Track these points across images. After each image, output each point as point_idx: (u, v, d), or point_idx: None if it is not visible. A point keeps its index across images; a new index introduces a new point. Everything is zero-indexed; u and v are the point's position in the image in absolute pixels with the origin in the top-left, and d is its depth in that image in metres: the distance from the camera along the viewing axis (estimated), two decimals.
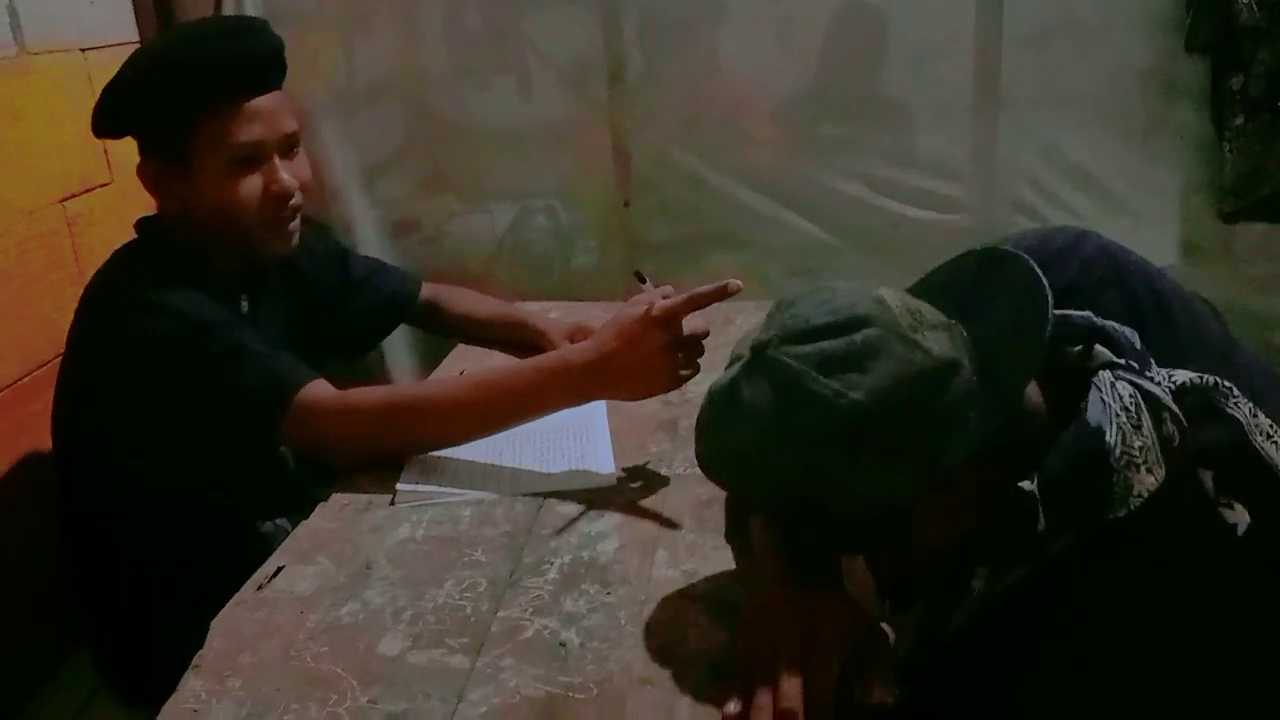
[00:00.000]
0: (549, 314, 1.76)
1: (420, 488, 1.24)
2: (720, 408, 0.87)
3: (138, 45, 1.96)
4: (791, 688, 0.83)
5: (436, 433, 1.27)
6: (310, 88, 2.29)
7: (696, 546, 1.10)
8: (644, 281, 1.34)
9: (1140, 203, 2.11)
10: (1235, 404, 0.81)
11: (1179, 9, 1.99)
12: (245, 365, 1.24)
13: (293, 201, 1.35)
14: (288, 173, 1.34)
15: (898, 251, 2.16)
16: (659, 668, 0.91)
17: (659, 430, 1.38)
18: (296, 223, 1.38)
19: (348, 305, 1.65)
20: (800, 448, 0.81)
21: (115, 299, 1.31)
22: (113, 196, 1.86)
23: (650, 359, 1.19)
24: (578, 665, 0.92)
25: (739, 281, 1.18)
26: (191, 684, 0.92)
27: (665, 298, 1.21)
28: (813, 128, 2.20)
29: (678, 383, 1.22)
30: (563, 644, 0.95)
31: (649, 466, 1.29)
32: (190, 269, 1.33)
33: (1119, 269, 0.93)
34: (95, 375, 1.32)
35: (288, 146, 1.35)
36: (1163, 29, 2.02)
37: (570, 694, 0.89)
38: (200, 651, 0.96)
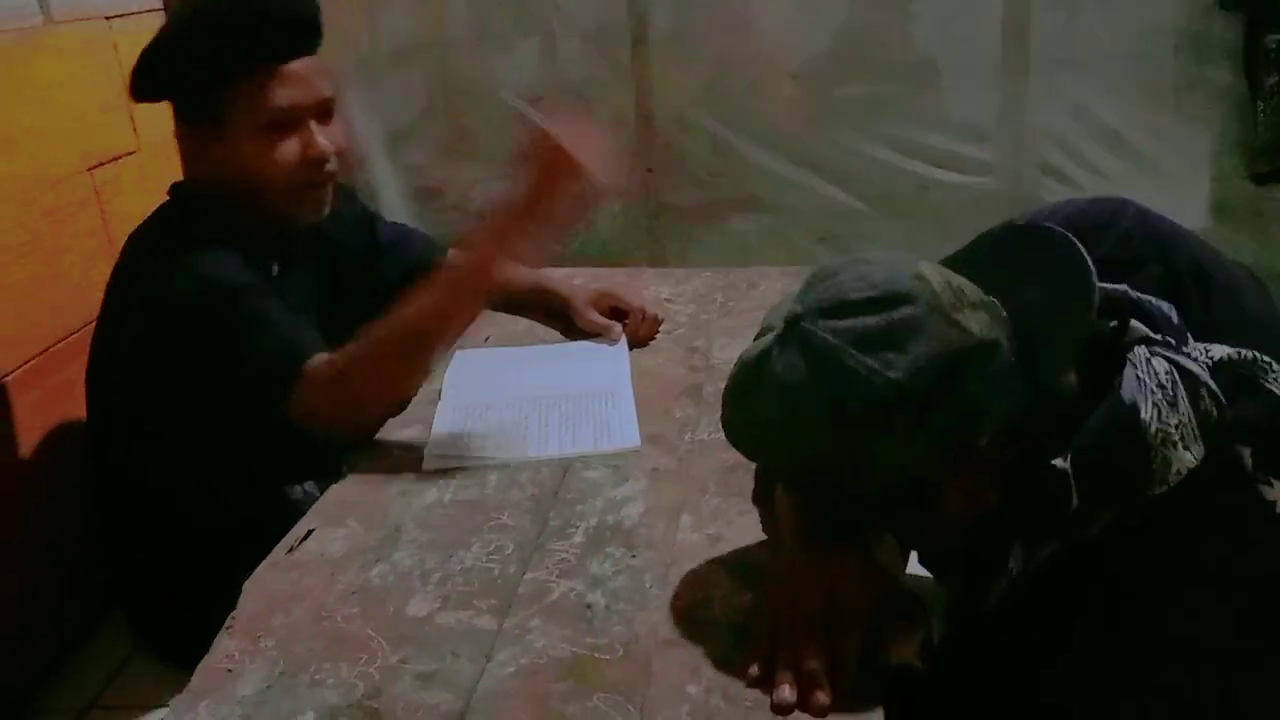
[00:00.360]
0: (574, 280, 1.76)
1: (448, 453, 1.25)
2: (750, 378, 0.86)
3: (161, 12, 1.97)
4: (814, 650, 0.83)
5: (428, 348, 1.29)
6: (334, 54, 2.28)
7: (721, 511, 1.11)
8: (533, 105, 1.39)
9: (1171, 164, 2.08)
10: (1276, 379, 0.80)
11: None
12: (266, 332, 1.25)
13: (328, 167, 1.35)
14: (324, 138, 1.34)
15: (925, 215, 2.15)
16: (684, 630, 0.92)
17: (684, 395, 1.38)
18: (329, 190, 1.39)
19: (376, 270, 1.65)
20: (830, 423, 0.80)
21: (148, 262, 1.32)
22: (140, 164, 1.87)
23: (545, 194, 1.23)
24: (604, 627, 0.93)
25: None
26: (225, 644, 0.94)
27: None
28: (838, 90, 2.19)
29: (580, 199, 1.27)
30: (589, 606, 0.96)
31: (675, 432, 1.29)
32: (222, 233, 1.33)
33: (1159, 241, 0.91)
34: (127, 337, 1.33)
35: (323, 112, 1.35)
36: None
37: (596, 655, 0.90)
38: (233, 612, 0.98)
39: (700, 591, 0.97)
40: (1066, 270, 0.81)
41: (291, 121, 1.31)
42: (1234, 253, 0.98)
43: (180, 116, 1.35)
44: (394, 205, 2.33)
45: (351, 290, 1.60)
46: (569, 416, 1.32)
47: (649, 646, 0.90)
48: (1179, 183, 2.08)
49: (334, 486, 1.21)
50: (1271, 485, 0.78)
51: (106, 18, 1.81)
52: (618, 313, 1.61)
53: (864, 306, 0.80)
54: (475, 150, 2.36)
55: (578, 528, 1.09)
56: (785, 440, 0.84)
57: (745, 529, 1.07)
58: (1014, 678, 0.85)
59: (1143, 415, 0.77)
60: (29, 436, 1.59)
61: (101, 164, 1.78)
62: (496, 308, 1.75)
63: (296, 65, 1.31)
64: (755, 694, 0.83)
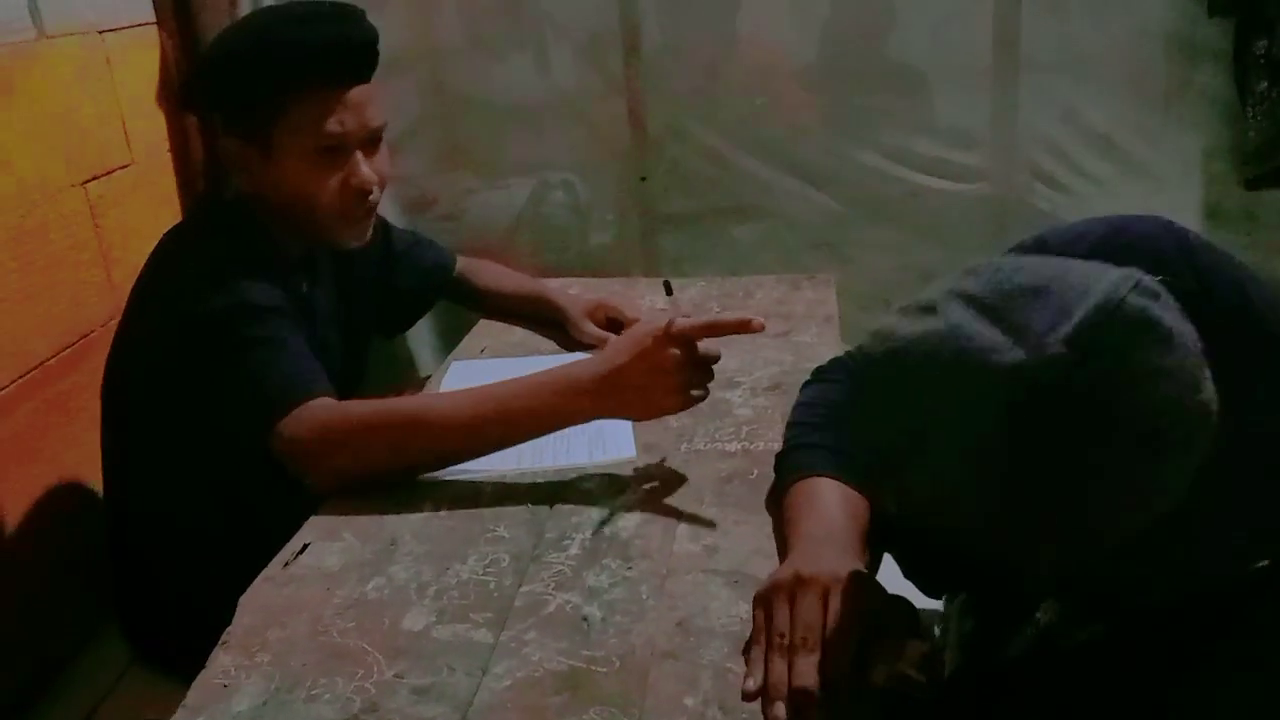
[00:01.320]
0: (569, 290, 1.76)
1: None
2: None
3: (155, 26, 1.97)
4: (807, 665, 0.81)
5: (435, 452, 1.20)
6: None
7: (717, 521, 1.11)
8: (670, 294, 1.32)
9: (1162, 168, 2.09)
10: None
11: None
12: (278, 358, 1.22)
13: (370, 198, 1.35)
14: (369, 167, 1.33)
15: (917, 222, 2.15)
16: (680, 641, 0.92)
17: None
18: (372, 219, 1.39)
19: (391, 280, 1.66)
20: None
21: (184, 274, 1.30)
22: (134, 178, 1.87)
23: (662, 375, 1.14)
24: (600, 639, 0.93)
25: (762, 320, 1.16)
26: (221, 659, 0.94)
27: (685, 316, 1.18)
28: (830, 98, 2.20)
29: (688, 403, 1.17)
30: (585, 618, 0.96)
31: (671, 442, 1.29)
32: (259, 248, 1.33)
33: (1197, 271, 0.82)
34: (153, 346, 1.32)
35: (372, 140, 1.34)
36: None
37: (593, 667, 0.90)
38: (229, 627, 0.98)
39: (697, 602, 0.98)
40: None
41: (340, 149, 1.31)
42: None
43: (226, 128, 1.34)
44: (387, 216, 2.32)
45: (370, 300, 1.61)
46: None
47: (645, 658, 0.90)
48: (1170, 187, 2.09)
49: (329, 500, 1.21)
50: None
51: (100, 31, 1.81)
52: (614, 323, 1.61)
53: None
54: (468, 160, 2.36)
55: (573, 539, 1.09)
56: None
57: (741, 539, 1.07)
58: None
59: None
60: (23, 451, 1.59)
61: (95, 177, 1.77)
62: (492, 317, 1.75)
63: (353, 93, 1.30)
64: (753, 707, 0.83)
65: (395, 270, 1.66)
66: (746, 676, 0.84)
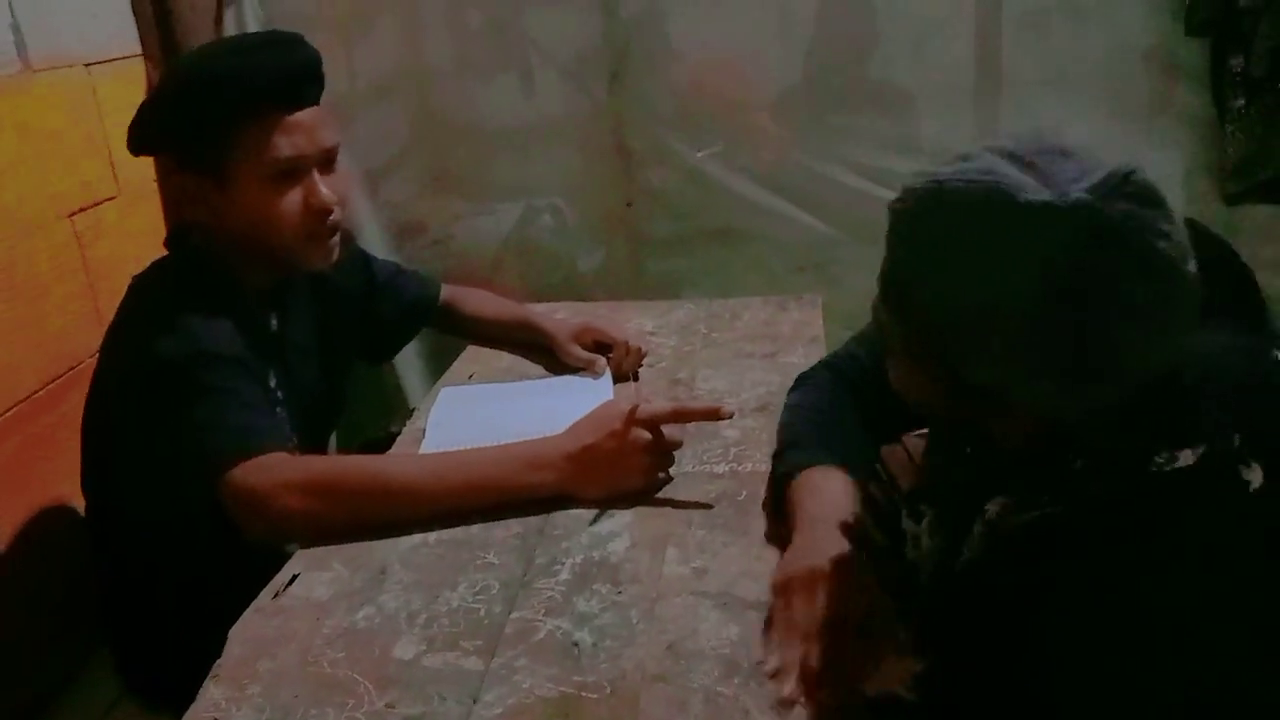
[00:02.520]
0: (557, 314, 1.77)
1: None
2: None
3: (142, 59, 1.98)
4: (805, 652, 0.89)
5: (393, 517, 1.19)
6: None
7: (707, 543, 1.11)
8: (636, 379, 1.36)
9: None
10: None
11: None
12: (229, 408, 1.21)
13: (332, 217, 1.35)
14: (327, 188, 1.33)
15: None
16: (671, 665, 0.92)
17: (667, 428, 1.38)
18: (337, 238, 1.39)
19: (373, 310, 1.67)
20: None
21: (143, 319, 1.31)
22: (120, 209, 1.88)
23: (628, 456, 1.19)
24: (591, 664, 0.93)
25: (732, 408, 1.27)
26: (211, 692, 0.93)
27: (647, 402, 1.23)
28: (813, 118, 2.21)
29: (651, 484, 1.22)
30: (576, 644, 0.96)
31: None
32: (221, 285, 1.33)
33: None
34: (116, 389, 1.33)
35: (327, 161, 1.35)
36: (1162, 8, 2.01)
37: (584, 693, 0.90)
38: (219, 660, 0.98)
39: (687, 625, 0.98)
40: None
41: (295, 171, 1.31)
42: None
43: (180, 165, 1.34)
44: (375, 242, 2.33)
45: (350, 330, 1.62)
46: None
47: (636, 683, 0.90)
48: None
49: None
50: (1250, 466, 0.80)
51: (86, 64, 1.82)
52: (601, 346, 1.61)
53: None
54: (456, 185, 2.37)
55: (563, 564, 1.09)
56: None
57: (730, 561, 1.07)
58: (982, 637, 0.87)
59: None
60: (12, 484, 1.59)
61: (82, 209, 1.78)
62: (479, 342, 1.76)
63: (301, 115, 1.30)
64: None
65: (378, 300, 1.67)
66: (769, 657, 0.91)
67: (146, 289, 1.36)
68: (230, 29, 2.13)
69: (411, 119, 2.39)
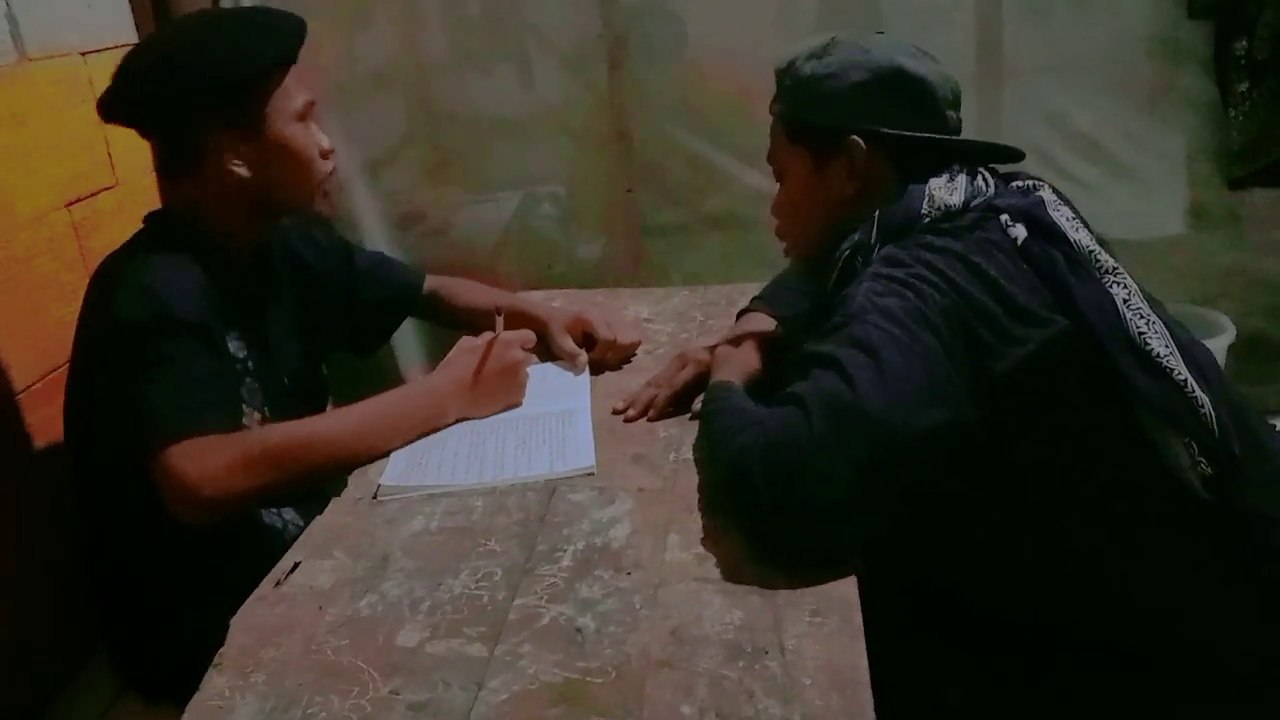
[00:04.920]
0: (553, 302, 1.76)
1: (404, 483, 1.24)
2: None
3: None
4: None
5: (318, 474, 1.28)
6: (311, 79, 2.29)
7: (708, 529, 1.11)
8: (499, 315, 1.50)
9: (1147, 170, 2.10)
10: (1050, 196, 1.16)
11: None
12: (170, 385, 1.23)
13: (329, 167, 1.46)
14: (322, 134, 1.45)
15: None
16: (675, 650, 0.92)
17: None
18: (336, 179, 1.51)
19: (354, 297, 1.67)
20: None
21: (111, 284, 1.32)
22: (118, 199, 1.87)
23: (510, 373, 1.41)
24: (595, 650, 0.93)
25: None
26: (215, 681, 0.93)
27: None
28: None
29: (521, 393, 1.43)
30: (579, 629, 0.96)
31: (659, 451, 1.29)
32: (197, 251, 1.35)
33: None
34: (87, 362, 1.34)
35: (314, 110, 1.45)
36: None
37: (588, 679, 0.89)
38: (222, 649, 0.97)
39: (690, 611, 0.97)
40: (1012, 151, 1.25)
41: (306, 117, 1.42)
42: (1213, 255, 1.03)
43: (215, 123, 1.36)
44: (375, 231, 2.33)
45: (331, 317, 1.62)
46: (525, 439, 1.32)
47: (641, 668, 0.90)
48: (1155, 188, 2.10)
49: (319, 517, 1.20)
50: (1015, 226, 1.11)
51: (82, 54, 1.81)
52: (590, 340, 1.60)
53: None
54: (455, 174, 2.37)
55: (565, 551, 1.09)
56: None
57: (733, 546, 1.07)
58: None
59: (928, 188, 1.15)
60: (11, 475, 1.58)
61: (79, 199, 1.77)
62: (470, 332, 1.74)
63: (294, 70, 1.40)
64: (751, 712, 0.83)
65: (359, 287, 1.67)
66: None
67: (113, 259, 1.38)
68: None
69: (411, 108, 2.39)
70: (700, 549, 1.07)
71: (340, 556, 1.11)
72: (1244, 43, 1.89)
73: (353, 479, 1.28)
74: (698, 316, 1.74)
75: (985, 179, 1.18)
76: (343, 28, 2.31)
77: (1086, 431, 1.08)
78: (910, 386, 1.00)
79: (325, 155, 1.44)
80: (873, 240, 1.15)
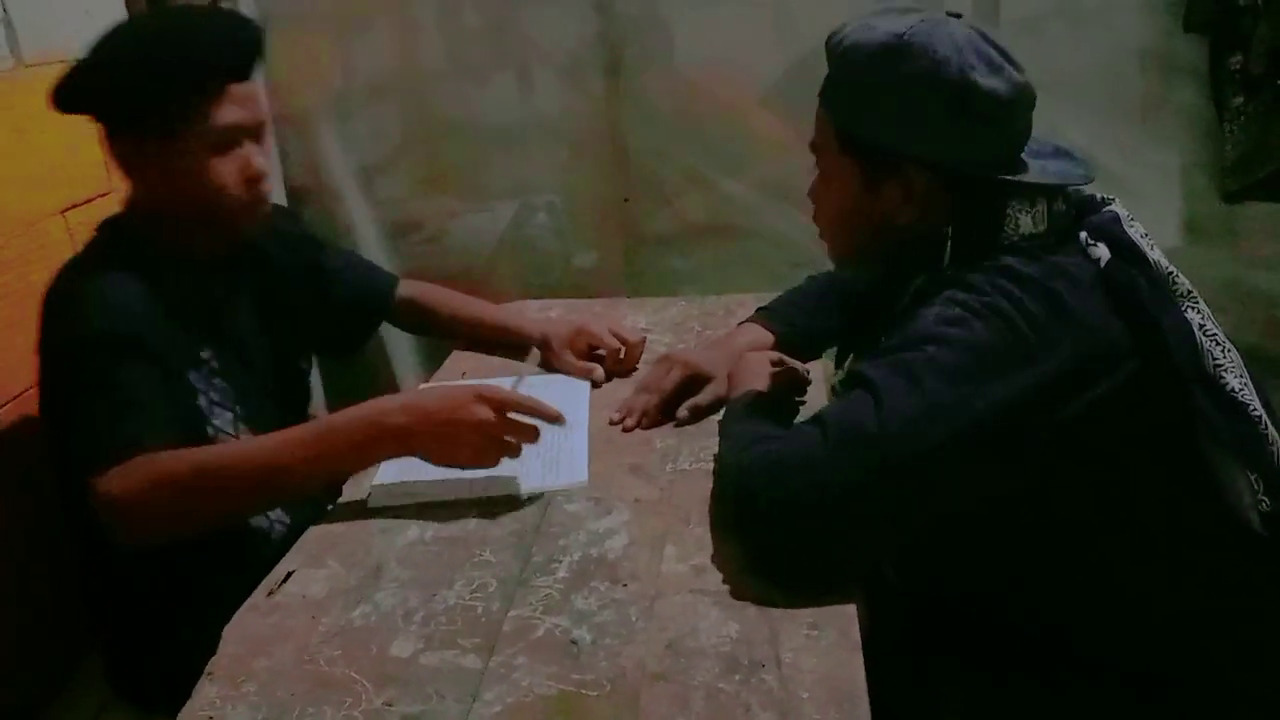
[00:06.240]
0: (550, 312, 1.75)
1: (394, 490, 1.24)
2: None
3: None
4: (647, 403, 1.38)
5: (254, 501, 1.23)
6: (307, 88, 2.29)
7: (705, 541, 1.10)
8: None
9: (1141, 183, 2.10)
10: (1123, 212, 1.11)
11: None
12: (106, 406, 1.20)
13: (263, 185, 1.37)
14: (259, 157, 1.36)
15: None
16: (671, 663, 0.92)
17: (664, 426, 1.38)
18: (267, 205, 1.40)
19: (323, 295, 1.63)
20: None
21: (52, 300, 1.31)
22: (114, 206, 1.84)
23: (462, 429, 1.18)
24: (590, 662, 0.93)
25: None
26: (206, 690, 0.92)
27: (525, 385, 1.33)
28: (810, 116, 2.20)
29: (484, 460, 1.20)
30: (574, 641, 0.95)
31: (656, 462, 1.28)
32: (150, 256, 1.33)
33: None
34: (40, 377, 1.33)
35: (261, 134, 1.38)
36: (1160, 7, 2.01)
37: (583, 691, 0.89)
38: (214, 658, 0.97)
39: (686, 623, 0.97)
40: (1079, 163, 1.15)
41: (235, 140, 1.33)
42: (1207, 269, 1.03)
43: (123, 128, 1.33)
44: (370, 240, 2.33)
45: (299, 315, 1.58)
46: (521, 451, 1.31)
47: (636, 681, 0.90)
48: (1150, 202, 2.10)
49: (313, 527, 1.20)
50: (1096, 246, 1.07)
51: (78, 59, 1.80)
52: (596, 350, 1.59)
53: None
54: (451, 184, 2.36)
55: (561, 562, 1.08)
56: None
57: (730, 558, 1.06)
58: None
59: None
60: (3, 483, 1.57)
61: (75, 206, 1.76)
62: (468, 347, 1.73)
63: (244, 87, 1.33)
64: None
65: (329, 286, 1.63)
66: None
67: (62, 271, 1.36)
68: None
69: (407, 117, 2.39)
70: (697, 561, 1.07)
71: (334, 566, 1.11)
72: (1238, 57, 1.90)
73: (347, 486, 1.27)
74: (695, 326, 1.74)
75: (1064, 200, 1.11)
76: (340, 36, 2.31)
77: (1143, 462, 1.04)
78: (943, 427, 0.97)
79: (253, 180, 1.35)
80: (945, 263, 1.09)
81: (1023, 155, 1.13)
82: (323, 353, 1.73)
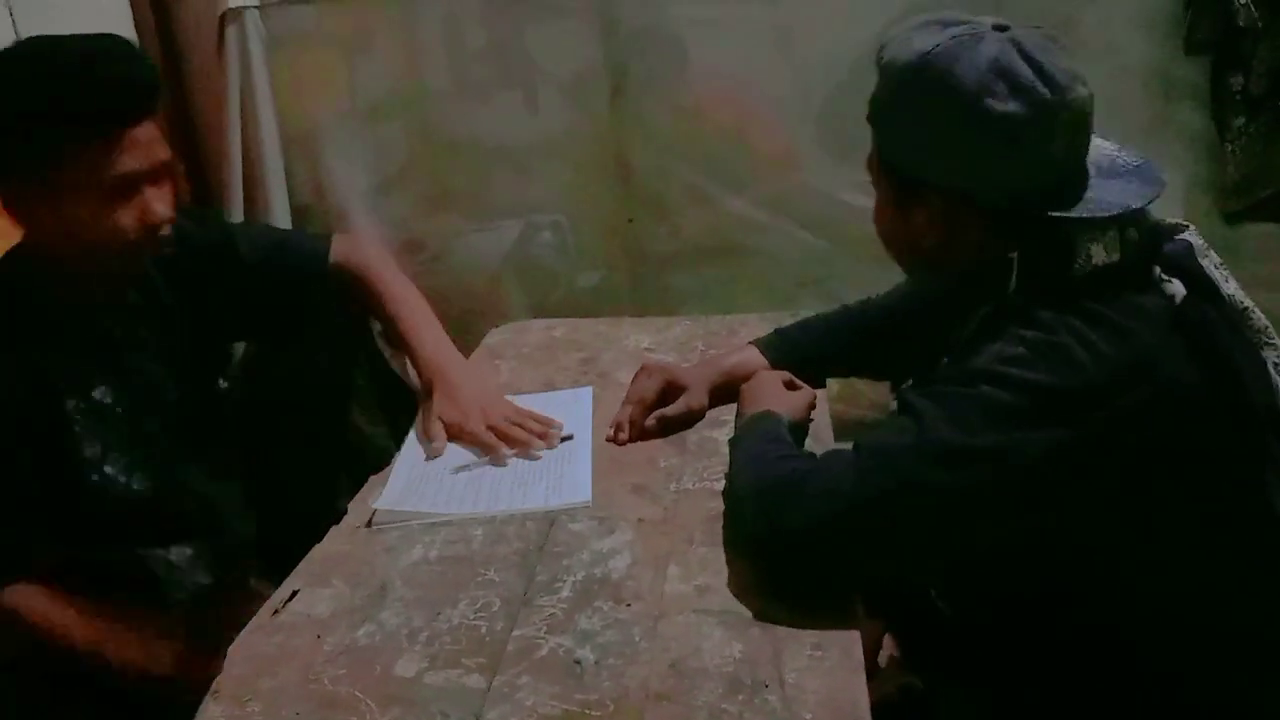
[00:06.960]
0: (553, 332, 1.74)
1: (398, 509, 1.24)
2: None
3: None
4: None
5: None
6: (312, 108, 2.31)
7: (709, 560, 1.10)
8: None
9: None
10: (1198, 242, 1.08)
11: (1177, 8, 2.00)
12: None
13: (161, 232, 1.28)
14: (160, 203, 1.27)
15: None
16: (674, 683, 0.92)
17: (668, 444, 1.38)
18: (169, 240, 1.31)
19: (250, 290, 1.52)
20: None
21: None
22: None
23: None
24: (593, 682, 0.93)
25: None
26: (211, 710, 0.93)
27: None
28: (813, 135, 2.21)
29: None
30: (578, 662, 0.96)
31: (660, 482, 1.29)
32: (48, 306, 1.29)
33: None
34: None
35: (160, 176, 1.28)
36: (1161, 29, 2.02)
37: (587, 711, 0.89)
38: (219, 677, 0.97)
39: (690, 643, 0.97)
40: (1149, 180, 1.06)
41: (129, 188, 1.24)
42: None
43: (3, 176, 1.23)
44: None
45: (226, 317, 1.52)
46: (522, 472, 1.31)
47: (640, 701, 0.90)
48: None
49: (318, 545, 1.20)
50: (1171, 282, 1.02)
51: None
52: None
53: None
54: (456, 203, 2.37)
55: (565, 582, 1.08)
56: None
57: (734, 578, 1.06)
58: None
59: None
60: None
61: None
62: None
63: (136, 131, 1.22)
64: None
65: (251, 279, 1.52)
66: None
67: None
68: (232, 45, 2.14)
69: (412, 136, 2.40)
70: (700, 581, 1.07)
71: (339, 585, 1.11)
72: (1240, 78, 1.91)
73: (352, 506, 1.27)
74: (699, 346, 1.74)
75: (1135, 228, 1.03)
76: (345, 55, 2.32)
77: (1199, 497, 1.01)
78: (978, 471, 0.95)
79: (149, 228, 1.25)
80: (1011, 289, 1.03)
81: (1091, 175, 1.06)
82: (264, 341, 1.61)
